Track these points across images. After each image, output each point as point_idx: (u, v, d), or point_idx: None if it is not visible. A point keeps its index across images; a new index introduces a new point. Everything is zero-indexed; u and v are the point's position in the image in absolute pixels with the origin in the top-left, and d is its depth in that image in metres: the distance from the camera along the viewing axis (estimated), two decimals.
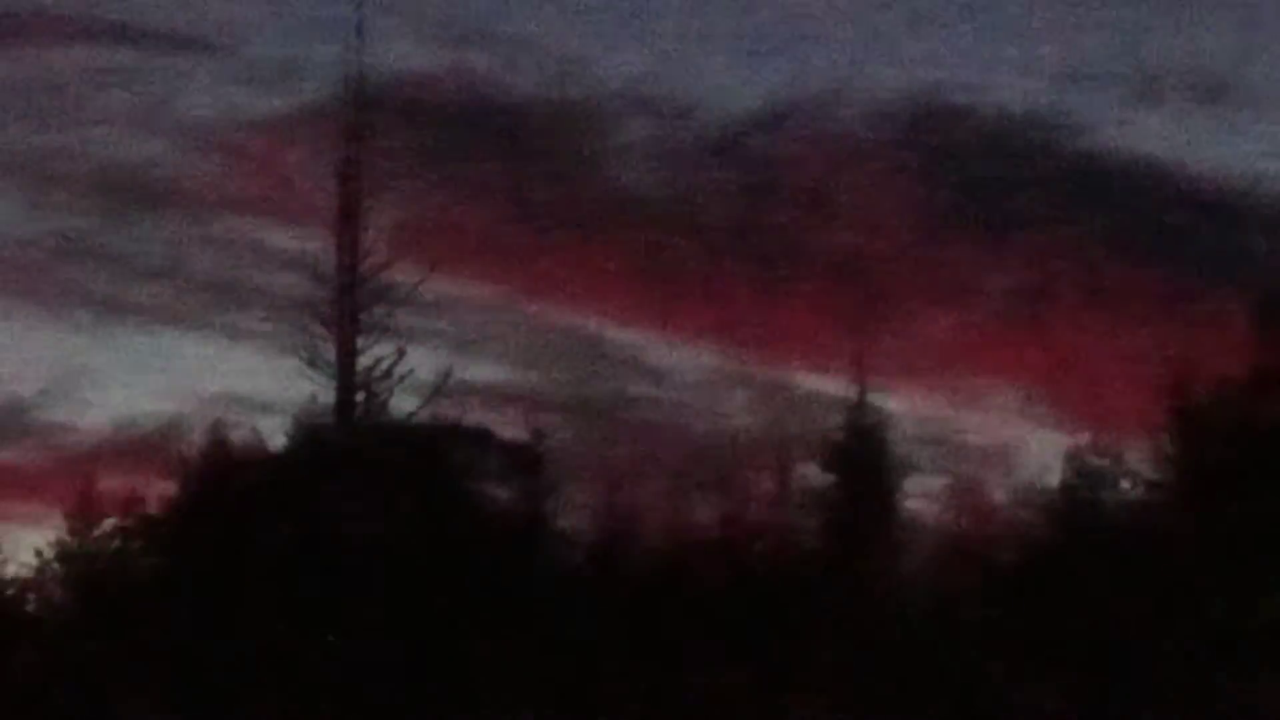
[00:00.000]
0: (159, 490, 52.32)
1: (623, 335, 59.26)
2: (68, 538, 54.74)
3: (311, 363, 46.22)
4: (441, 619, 45.40)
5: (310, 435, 47.55)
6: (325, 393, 46.48)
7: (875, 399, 50.51)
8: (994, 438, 52.92)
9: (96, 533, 54.49)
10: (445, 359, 48.18)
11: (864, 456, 49.81)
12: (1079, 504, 48.61)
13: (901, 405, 52.17)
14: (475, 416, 50.30)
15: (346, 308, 46.56)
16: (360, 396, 46.40)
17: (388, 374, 46.29)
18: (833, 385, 51.18)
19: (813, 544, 50.05)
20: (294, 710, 44.43)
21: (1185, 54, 65.52)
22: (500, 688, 45.53)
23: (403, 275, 46.66)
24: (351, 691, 44.46)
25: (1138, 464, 48.14)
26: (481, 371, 55.39)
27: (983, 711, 44.87)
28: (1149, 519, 46.71)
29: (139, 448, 55.03)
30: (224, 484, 48.81)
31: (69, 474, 55.89)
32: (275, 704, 44.57)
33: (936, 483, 51.14)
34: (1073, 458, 48.97)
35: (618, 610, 47.84)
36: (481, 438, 50.46)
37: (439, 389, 46.77)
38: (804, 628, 47.49)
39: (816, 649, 47.02)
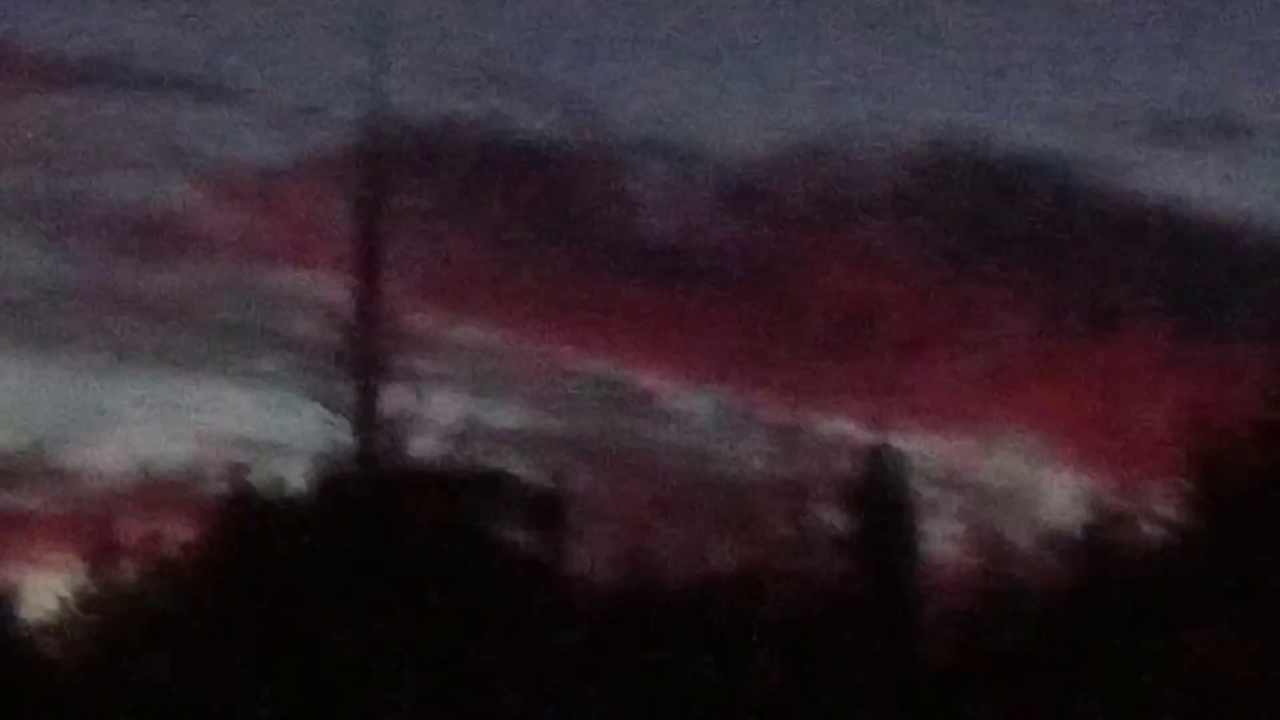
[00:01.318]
0: (179, 535, 52.40)
1: (642, 379, 59.29)
2: (88, 583, 54.69)
3: (331, 407, 46.18)
4: (463, 663, 45.37)
5: (331, 481, 47.54)
6: (345, 438, 46.45)
7: (895, 443, 50.55)
8: (1015, 481, 52.75)
9: (117, 578, 54.46)
10: (465, 403, 48.25)
11: (884, 501, 49.75)
12: (1100, 546, 48.49)
13: (921, 449, 52.19)
14: (495, 461, 50.45)
15: (366, 352, 46.57)
16: (380, 441, 46.34)
17: (408, 419, 46.25)
18: (852, 429, 51.23)
19: (834, 588, 49.93)
20: None
21: (1204, 95, 65.56)
22: None
23: (422, 320, 46.73)
24: None
25: (1159, 506, 48.03)
26: (501, 416, 55.39)
27: None
28: (1170, 561, 46.59)
29: (159, 493, 55.05)
30: (244, 529, 48.81)
31: (89, 519, 55.87)
32: None
33: (958, 527, 51.08)
34: (1094, 501, 48.91)
35: (638, 654, 47.78)
36: (501, 482, 50.46)
37: (459, 434, 46.76)
38: (823, 671, 47.46)
39: (835, 692, 47.01)
